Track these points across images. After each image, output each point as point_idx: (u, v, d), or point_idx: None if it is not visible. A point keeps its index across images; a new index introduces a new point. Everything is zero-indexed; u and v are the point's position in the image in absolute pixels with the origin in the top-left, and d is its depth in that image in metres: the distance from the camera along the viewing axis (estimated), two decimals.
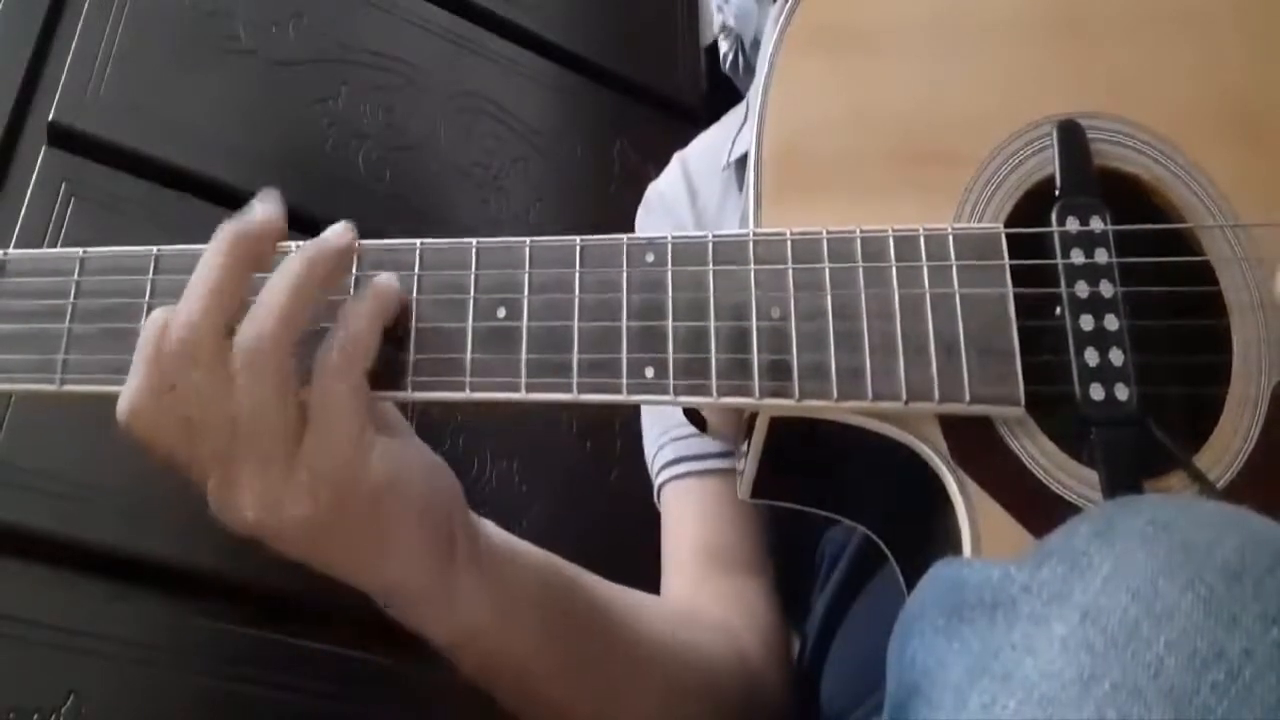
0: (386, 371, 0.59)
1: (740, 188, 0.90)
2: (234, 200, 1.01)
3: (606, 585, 0.75)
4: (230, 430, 0.57)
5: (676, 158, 1.02)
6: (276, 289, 0.57)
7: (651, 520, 0.92)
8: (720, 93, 1.39)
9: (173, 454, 0.59)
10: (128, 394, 0.58)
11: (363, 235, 0.62)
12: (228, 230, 0.59)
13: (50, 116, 0.97)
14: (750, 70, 1.34)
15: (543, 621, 0.68)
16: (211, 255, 0.58)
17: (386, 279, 0.60)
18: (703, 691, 0.77)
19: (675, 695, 0.76)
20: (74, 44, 0.99)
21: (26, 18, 0.99)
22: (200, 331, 0.56)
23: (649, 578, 0.89)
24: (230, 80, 1.06)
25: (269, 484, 0.57)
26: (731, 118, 1.03)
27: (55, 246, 0.92)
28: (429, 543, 0.62)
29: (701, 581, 0.86)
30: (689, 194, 0.98)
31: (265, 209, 0.60)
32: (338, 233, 0.61)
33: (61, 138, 0.97)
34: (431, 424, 1.04)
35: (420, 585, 0.63)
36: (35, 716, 0.81)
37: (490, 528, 0.68)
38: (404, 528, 0.61)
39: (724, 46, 1.38)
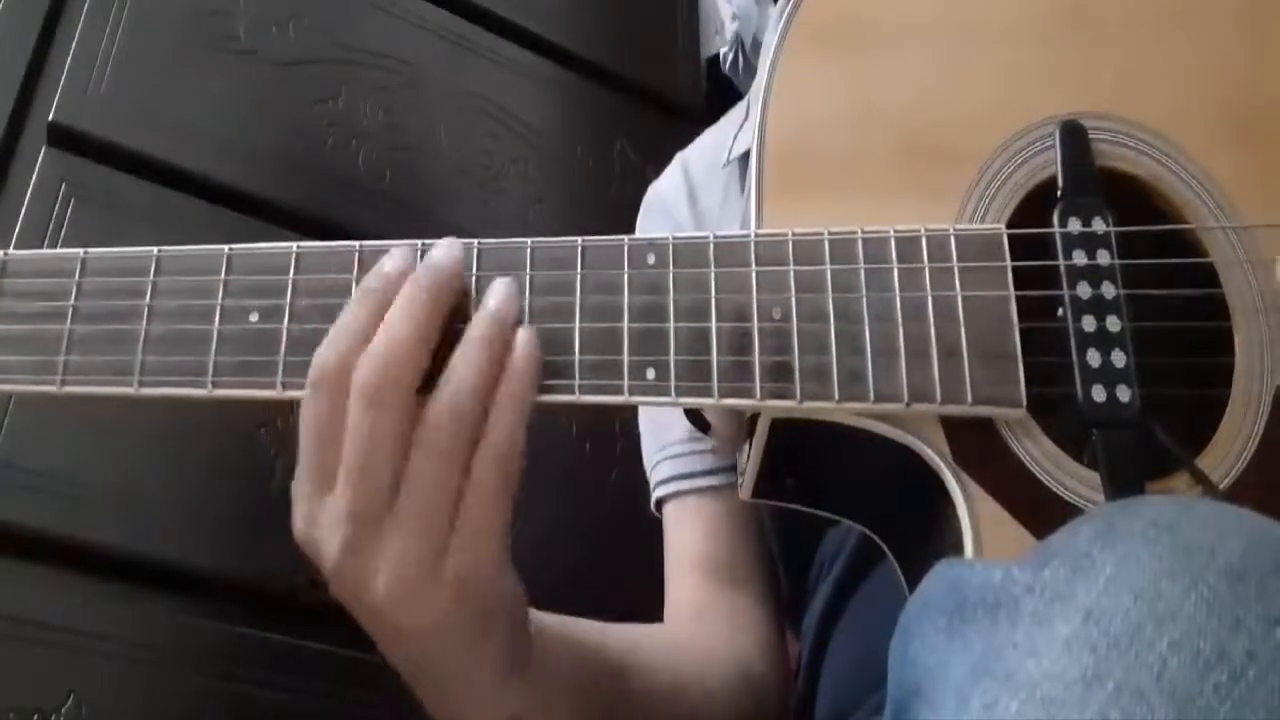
0: None
1: (741, 185, 0.90)
2: (234, 200, 1.03)
3: (625, 641, 0.75)
4: (392, 489, 0.55)
5: (677, 158, 1.02)
6: (469, 372, 0.55)
7: (651, 521, 0.92)
8: (720, 93, 1.40)
9: (314, 454, 0.56)
10: (324, 353, 0.56)
11: (363, 235, 0.62)
12: (425, 278, 0.57)
13: (50, 116, 0.97)
14: (750, 70, 1.34)
15: (576, 702, 0.67)
16: (420, 294, 0.56)
17: (526, 358, 0.56)
18: (711, 714, 0.78)
19: None
20: (74, 44, 0.99)
21: (26, 18, 1.00)
22: (401, 373, 0.54)
23: (648, 578, 0.89)
24: (230, 80, 1.06)
25: (416, 570, 0.55)
26: (731, 118, 1.03)
27: (55, 246, 0.92)
28: (506, 654, 0.61)
29: (703, 598, 0.87)
30: (689, 194, 0.98)
31: (455, 253, 0.58)
32: (506, 297, 0.58)
33: (61, 138, 0.97)
34: None
35: (483, 690, 0.61)
36: (35, 716, 0.81)
37: (535, 615, 0.66)
38: (497, 642, 0.60)
39: (724, 46, 1.38)
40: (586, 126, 1.29)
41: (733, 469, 0.71)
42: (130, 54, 1.01)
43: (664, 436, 0.91)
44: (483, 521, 0.55)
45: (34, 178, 0.94)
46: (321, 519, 0.56)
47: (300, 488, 0.57)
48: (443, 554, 0.55)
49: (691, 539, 0.89)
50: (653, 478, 0.92)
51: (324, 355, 0.56)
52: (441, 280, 0.57)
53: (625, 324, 0.58)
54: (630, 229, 1.01)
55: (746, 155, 0.66)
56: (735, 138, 0.94)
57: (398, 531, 0.55)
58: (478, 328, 0.56)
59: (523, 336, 0.57)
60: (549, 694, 0.65)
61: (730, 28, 1.38)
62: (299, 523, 0.57)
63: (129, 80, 1.00)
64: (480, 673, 0.60)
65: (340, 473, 0.55)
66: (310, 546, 0.57)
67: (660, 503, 0.92)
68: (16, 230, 0.92)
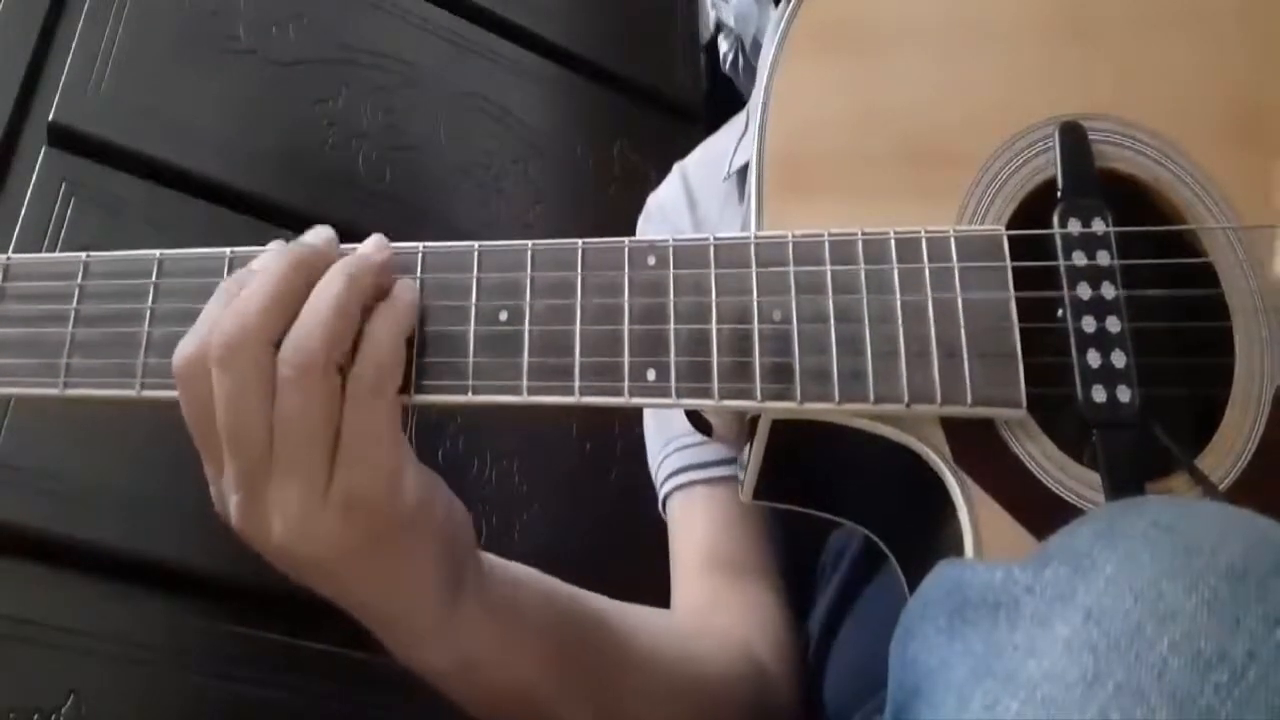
0: None
1: (741, 198, 0.90)
2: (234, 200, 1.03)
3: (608, 604, 0.75)
4: (265, 444, 0.56)
5: (676, 168, 1.03)
6: (321, 305, 0.56)
7: (651, 520, 0.92)
8: (720, 93, 1.39)
9: (201, 439, 0.58)
10: (184, 344, 0.57)
11: (362, 235, 0.62)
12: (295, 247, 0.59)
13: (50, 116, 0.96)
14: (750, 71, 1.34)
15: (544, 647, 0.68)
16: (276, 264, 0.57)
17: (405, 288, 0.59)
18: (712, 702, 0.77)
19: (683, 708, 0.76)
20: (74, 44, 0.99)
21: (26, 18, 0.99)
22: (250, 334, 0.55)
23: (649, 578, 0.89)
24: (230, 80, 1.06)
25: (302, 506, 0.56)
26: (731, 128, 1.03)
27: (55, 246, 0.92)
28: (442, 575, 0.61)
29: (712, 590, 0.86)
30: (689, 204, 0.98)
31: (325, 234, 0.60)
32: (376, 246, 0.60)
33: (61, 138, 0.97)
34: (431, 423, 1.04)
35: (427, 616, 0.62)
36: (35, 716, 0.81)
37: (490, 556, 0.67)
38: (423, 559, 0.60)
39: (724, 47, 1.38)
40: (586, 126, 1.29)
41: None
42: (130, 54, 1.01)
43: (670, 430, 0.91)
44: (364, 435, 0.56)
45: (34, 178, 0.94)
46: (224, 492, 0.58)
47: (208, 474, 0.59)
48: (327, 482, 0.56)
49: (701, 531, 0.88)
50: (660, 474, 0.92)
51: (182, 347, 0.57)
52: (304, 254, 0.58)
53: (626, 326, 0.58)
54: (631, 229, 1.01)
55: (746, 168, 0.65)
56: (735, 151, 0.94)
57: (280, 477, 0.56)
58: (339, 262, 0.58)
59: (403, 281, 0.59)
60: (508, 633, 0.65)
61: (712, 15, 1.38)
62: (216, 505, 0.60)
63: (129, 80, 1.00)
64: (409, 598, 0.61)
65: (223, 447, 0.57)
66: (225, 519, 0.59)
67: (668, 499, 0.91)
68: (16, 230, 0.92)
